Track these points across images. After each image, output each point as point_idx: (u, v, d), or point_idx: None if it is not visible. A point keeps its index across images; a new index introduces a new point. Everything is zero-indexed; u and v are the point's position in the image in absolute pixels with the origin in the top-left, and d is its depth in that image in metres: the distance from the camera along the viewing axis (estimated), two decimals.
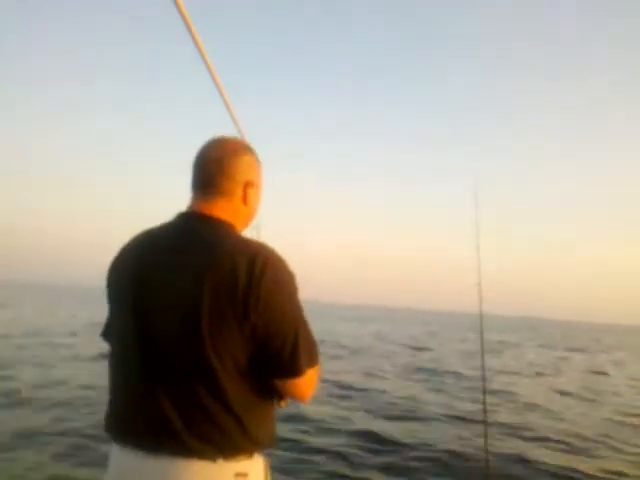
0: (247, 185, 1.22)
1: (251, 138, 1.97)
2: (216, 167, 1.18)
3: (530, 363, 16.19)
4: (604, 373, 14.78)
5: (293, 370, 1.09)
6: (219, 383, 1.02)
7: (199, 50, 1.41)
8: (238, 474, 1.06)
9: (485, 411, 3.52)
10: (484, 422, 3.34)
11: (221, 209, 1.17)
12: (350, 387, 9.06)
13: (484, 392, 3.68)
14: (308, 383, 1.15)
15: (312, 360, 1.14)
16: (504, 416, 7.45)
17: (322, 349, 1.31)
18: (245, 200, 1.22)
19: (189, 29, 1.31)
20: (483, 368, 3.69)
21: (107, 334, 1.24)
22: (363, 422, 6.57)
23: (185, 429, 1.02)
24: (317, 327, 1.22)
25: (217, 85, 1.59)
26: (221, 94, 1.64)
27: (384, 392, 8.88)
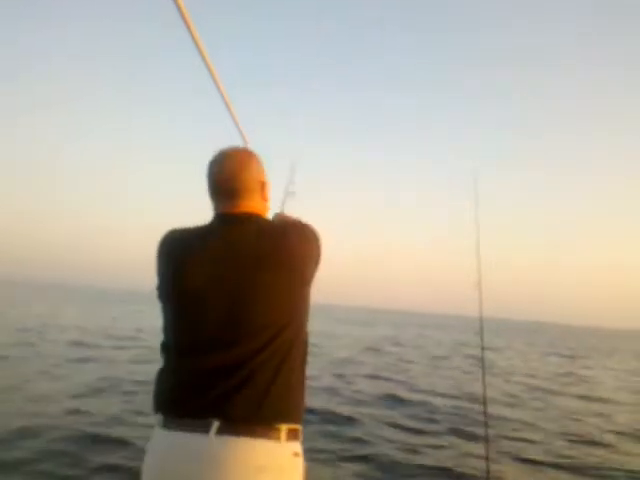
0: (262, 186, 1.48)
1: (250, 136, 2.00)
2: (234, 179, 1.42)
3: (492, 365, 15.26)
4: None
5: None
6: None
7: (199, 51, 1.44)
8: (295, 454, 1.27)
9: (486, 427, 3.32)
10: (485, 425, 3.29)
11: (247, 206, 1.43)
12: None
13: (484, 403, 3.48)
14: None
15: None
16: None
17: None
18: (264, 197, 1.50)
19: (195, 41, 1.33)
20: (483, 370, 3.60)
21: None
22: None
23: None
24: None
25: (217, 85, 1.61)
26: (220, 92, 1.66)
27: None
